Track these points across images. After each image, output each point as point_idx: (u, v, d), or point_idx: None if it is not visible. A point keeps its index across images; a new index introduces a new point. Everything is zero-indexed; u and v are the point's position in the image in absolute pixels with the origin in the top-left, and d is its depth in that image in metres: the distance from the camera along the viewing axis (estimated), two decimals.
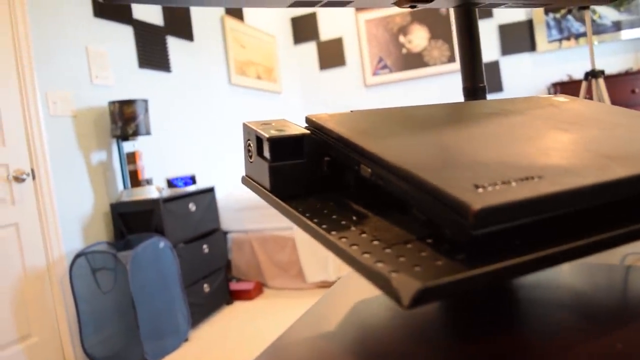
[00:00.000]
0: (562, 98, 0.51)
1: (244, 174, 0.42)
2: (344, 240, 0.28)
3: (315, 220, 0.31)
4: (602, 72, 2.45)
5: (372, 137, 0.35)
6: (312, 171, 0.37)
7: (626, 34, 4.31)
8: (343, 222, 0.31)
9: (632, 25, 4.30)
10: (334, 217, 0.32)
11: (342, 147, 0.35)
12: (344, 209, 0.33)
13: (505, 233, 0.27)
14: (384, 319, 0.34)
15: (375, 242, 0.28)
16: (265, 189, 0.37)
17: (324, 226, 0.30)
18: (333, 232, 0.29)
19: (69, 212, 2.41)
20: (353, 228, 0.30)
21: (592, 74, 2.47)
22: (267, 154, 0.36)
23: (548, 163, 0.31)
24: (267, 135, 0.36)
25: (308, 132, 0.37)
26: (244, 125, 0.41)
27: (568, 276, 0.38)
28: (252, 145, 0.39)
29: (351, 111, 0.43)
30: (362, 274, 0.25)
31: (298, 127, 0.39)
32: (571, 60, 4.46)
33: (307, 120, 0.40)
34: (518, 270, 0.25)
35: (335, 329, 0.34)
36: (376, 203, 0.34)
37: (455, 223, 0.25)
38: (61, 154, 2.39)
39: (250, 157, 0.40)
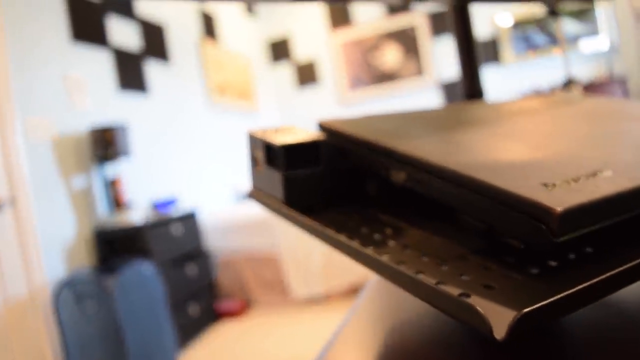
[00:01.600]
0: (576, 95, 0.52)
1: (250, 188, 0.40)
2: (386, 257, 0.25)
3: (345, 235, 0.28)
4: (575, 81, 2.53)
5: (403, 138, 0.32)
6: (329, 180, 0.34)
7: (585, 45, 4.42)
8: (377, 236, 0.28)
9: (590, 36, 4.41)
10: (364, 230, 0.29)
11: (367, 152, 0.32)
12: (372, 221, 0.30)
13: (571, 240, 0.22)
14: (438, 344, 0.27)
15: (425, 259, 0.24)
16: (278, 201, 0.35)
17: (356, 241, 0.27)
18: (370, 248, 0.26)
19: (51, 239, 2.37)
20: (392, 242, 0.26)
21: (568, 84, 2.55)
22: (279, 162, 0.34)
23: (606, 157, 0.27)
24: (279, 143, 0.33)
25: (325, 137, 0.35)
26: (249, 135, 0.38)
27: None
28: (260, 155, 0.36)
29: (367, 115, 0.43)
30: (424, 298, 0.21)
31: (309, 132, 0.36)
32: (535, 72, 4.56)
33: (321, 125, 0.38)
34: (615, 284, 0.20)
35: None
36: (408, 212, 0.31)
37: (529, 230, 0.21)
38: (41, 180, 2.36)
39: (258, 168, 0.37)
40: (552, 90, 4.12)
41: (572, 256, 0.22)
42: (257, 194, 0.38)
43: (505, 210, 0.22)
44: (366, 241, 0.27)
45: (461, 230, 0.26)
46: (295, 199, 0.33)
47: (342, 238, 0.26)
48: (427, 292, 0.20)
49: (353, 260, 0.26)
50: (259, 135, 0.36)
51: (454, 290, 0.20)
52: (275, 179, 0.35)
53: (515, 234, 0.22)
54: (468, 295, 0.20)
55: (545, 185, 0.23)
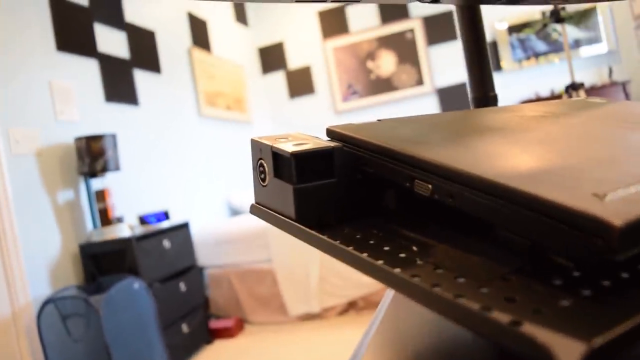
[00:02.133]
0: (596, 99, 0.46)
1: (253, 202, 0.33)
2: (417, 279, 0.21)
3: (368, 254, 0.24)
4: (582, 84, 2.49)
5: (427, 145, 0.28)
6: (343, 193, 0.30)
7: (585, 51, 4.43)
8: (403, 255, 0.24)
9: (591, 42, 4.43)
10: (387, 248, 0.25)
11: (387, 161, 0.28)
12: (394, 237, 0.27)
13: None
14: None
15: (461, 280, 0.21)
16: (287, 217, 0.30)
17: (380, 262, 0.23)
18: (397, 269, 0.22)
19: (35, 255, 2.26)
20: (420, 262, 0.23)
21: (573, 87, 2.51)
22: (290, 173, 0.29)
23: None
24: (290, 151, 0.29)
25: (338, 144, 0.30)
26: (253, 142, 0.34)
27: None
28: (265, 165, 0.32)
29: (379, 120, 0.37)
30: (466, 325, 0.18)
31: (320, 140, 0.32)
32: (534, 78, 4.55)
33: (330, 132, 0.34)
34: None
35: None
36: (433, 227, 0.27)
37: (582, 246, 0.19)
38: (25, 194, 2.26)
39: (263, 179, 0.33)
40: (556, 97, 4.09)
41: (624, 275, 0.20)
42: (260, 209, 0.34)
43: (553, 224, 0.20)
44: (391, 260, 0.23)
45: (496, 247, 0.24)
46: (307, 215, 0.30)
47: (368, 259, 0.24)
48: (471, 318, 0.18)
49: (380, 282, 0.23)
50: (266, 141, 0.32)
51: (502, 317, 0.17)
52: (284, 193, 0.30)
53: (564, 250, 0.20)
54: (519, 323, 0.17)
55: (596, 195, 0.21)
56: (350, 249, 0.25)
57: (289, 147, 0.30)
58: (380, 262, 0.23)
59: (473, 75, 0.61)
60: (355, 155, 0.31)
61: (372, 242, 0.26)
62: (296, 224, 0.29)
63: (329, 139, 0.34)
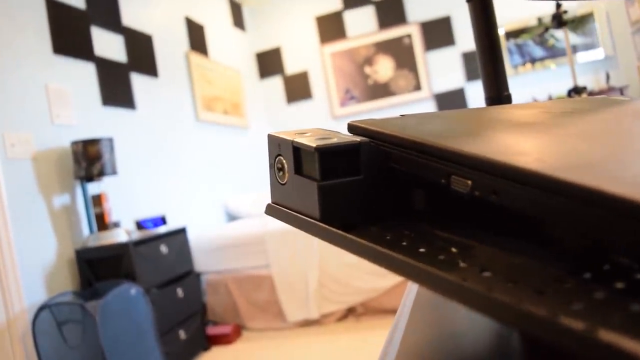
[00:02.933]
0: (619, 97, 0.45)
1: (269, 202, 0.30)
2: (470, 282, 0.19)
3: (404, 256, 0.22)
4: (585, 88, 2.48)
5: (464, 139, 0.26)
6: (370, 191, 0.28)
7: (582, 56, 4.44)
8: (442, 257, 0.22)
9: (588, 47, 4.44)
10: (422, 250, 0.23)
11: (419, 156, 0.26)
12: (429, 238, 0.25)
13: None
14: None
15: (511, 284, 0.19)
16: (310, 217, 0.28)
17: (421, 264, 0.21)
18: (448, 273, 0.20)
19: (30, 261, 2.23)
20: (463, 264, 0.21)
21: (575, 91, 2.50)
22: (314, 170, 0.27)
23: None
24: (314, 145, 0.27)
25: (365, 139, 0.28)
26: (271, 137, 0.32)
27: None
28: (285, 161, 0.30)
29: (402, 115, 0.35)
30: (537, 332, 0.16)
31: (343, 134, 0.30)
32: (530, 84, 4.56)
33: (353, 127, 0.31)
34: None
35: None
36: (470, 227, 0.25)
37: None
38: (20, 199, 2.23)
39: (282, 177, 0.31)
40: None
41: None
42: (278, 209, 0.32)
43: (617, 220, 0.18)
44: (431, 263, 0.21)
45: (545, 248, 0.22)
46: (333, 214, 0.28)
47: (412, 261, 0.22)
48: (538, 325, 0.16)
49: (425, 286, 0.21)
50: (284, 137, 0.30)
51: (575, 324, 0.16)
52: (307, 191, 0.28)
53: (628, 249, 0.18)
54: (593, 330, 0.15)
55: None
56: (388, 250, 0.23)
57: (312, 141, 0.28)
58: (424, 264, 0.21)
59: (487, 75, 0.59)
60: (384, 151, 0.29)
61: (404, 243, 0.24)
62: (321, 224, 0.27)
63: (351, 134, 0.32)
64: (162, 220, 2.87)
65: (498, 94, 0.59)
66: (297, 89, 5.24)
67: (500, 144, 0.26)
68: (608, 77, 4.07)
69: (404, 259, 0.22)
